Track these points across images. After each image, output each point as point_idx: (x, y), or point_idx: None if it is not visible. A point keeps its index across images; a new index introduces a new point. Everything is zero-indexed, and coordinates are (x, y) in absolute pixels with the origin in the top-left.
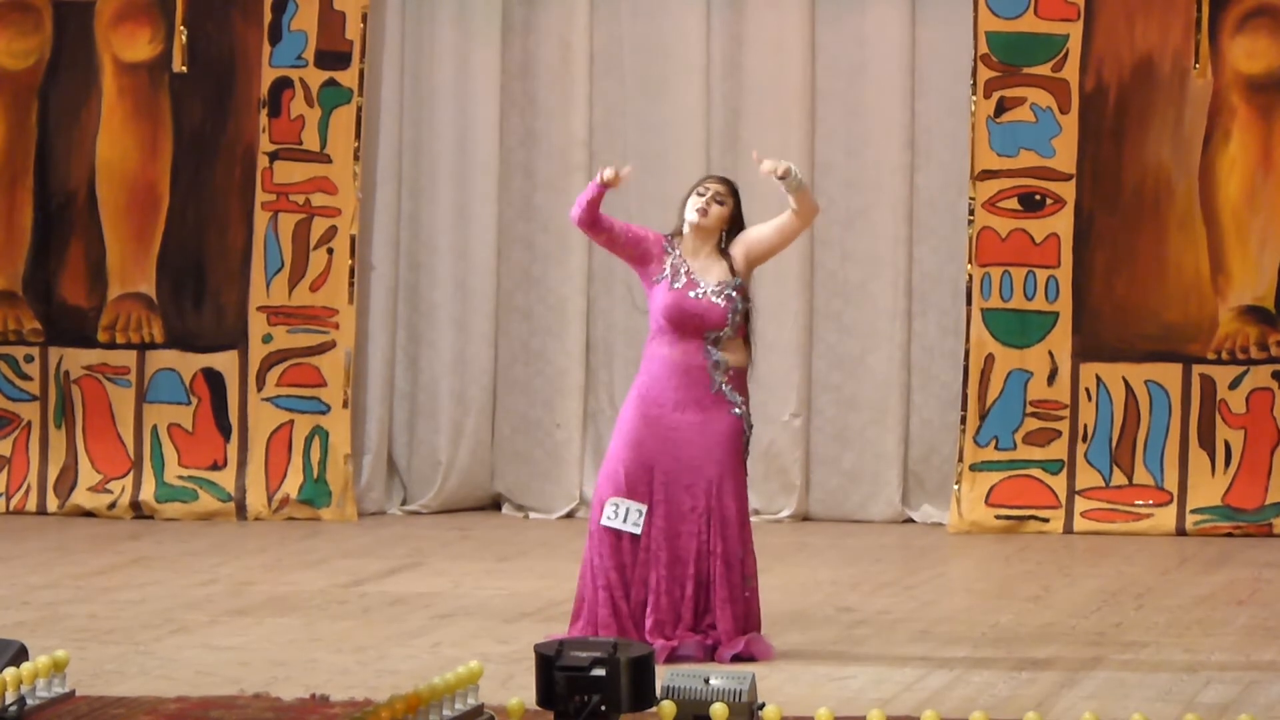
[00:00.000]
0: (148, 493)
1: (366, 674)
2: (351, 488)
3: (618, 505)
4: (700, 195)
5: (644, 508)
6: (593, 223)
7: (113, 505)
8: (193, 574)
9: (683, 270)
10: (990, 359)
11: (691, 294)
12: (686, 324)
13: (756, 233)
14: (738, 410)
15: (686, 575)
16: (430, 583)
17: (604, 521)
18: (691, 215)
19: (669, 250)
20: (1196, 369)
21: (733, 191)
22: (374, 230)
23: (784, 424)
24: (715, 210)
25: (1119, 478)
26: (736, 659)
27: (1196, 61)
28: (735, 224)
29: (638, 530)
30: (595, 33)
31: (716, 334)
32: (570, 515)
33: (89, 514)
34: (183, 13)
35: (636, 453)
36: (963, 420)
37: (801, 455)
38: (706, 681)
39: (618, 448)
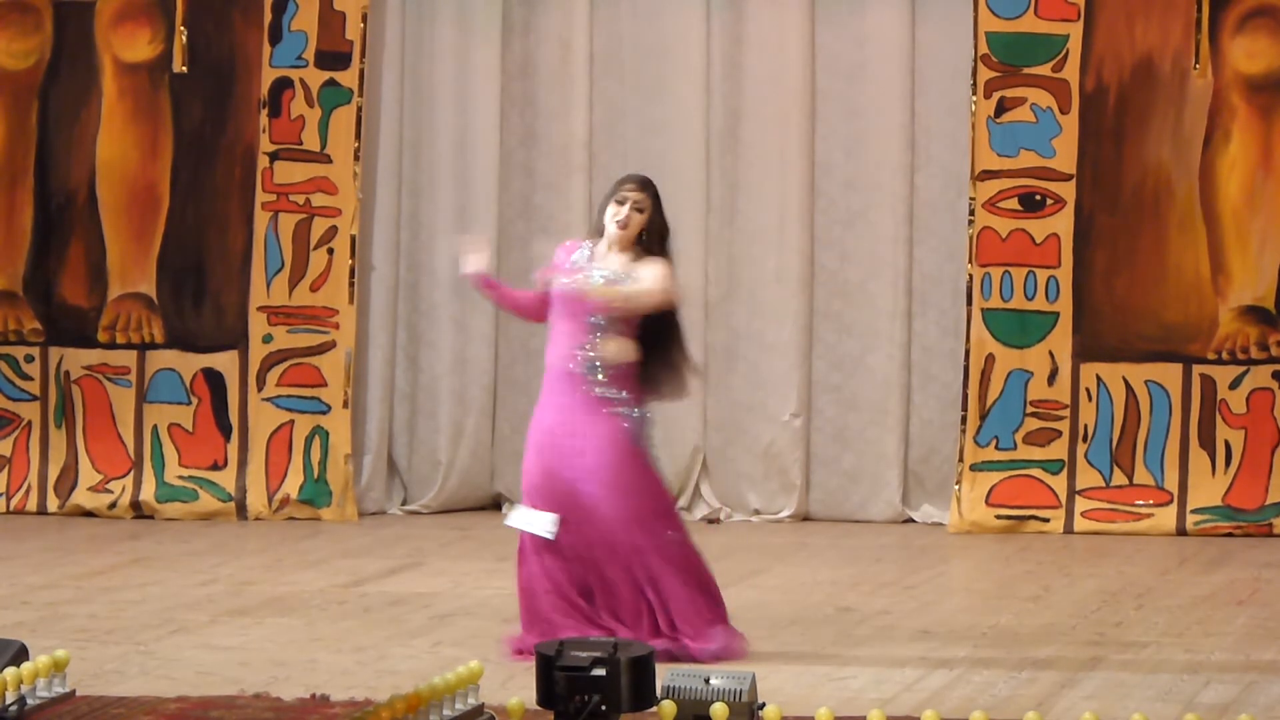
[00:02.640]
0: (148, 493)
1: (366, 674)
2: (352, 488)
3: (524, 512)
4: (620, 204)
5: (555, 516)
6: (536, 308)
7: (113, 505)
8: (193, 574)
9: (582, 263)
10: (990, 359)
11: (569, 279)
12: (565, 310)
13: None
14: (621, 410)
15: (626, 579)
16: (430, 583)
17: (508, 522)
18: (611, 227)
19: (581, 248)
20: (1197, 369)
21: (652, 195)
22: (374, 230)
23: (784, 424)
24: (635, 219)
25: (1119, 478)
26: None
27: (1197, 62)
28: (655, 227)
29: (550, 534)
30: (595, 33)
31: (597, 323)
32: None
33: (89, 514)
34: (183, 13)
35: (538, 461)
36: (963, 420)
37: (801, 455)
38: (706, 681)
39: (526, 456)
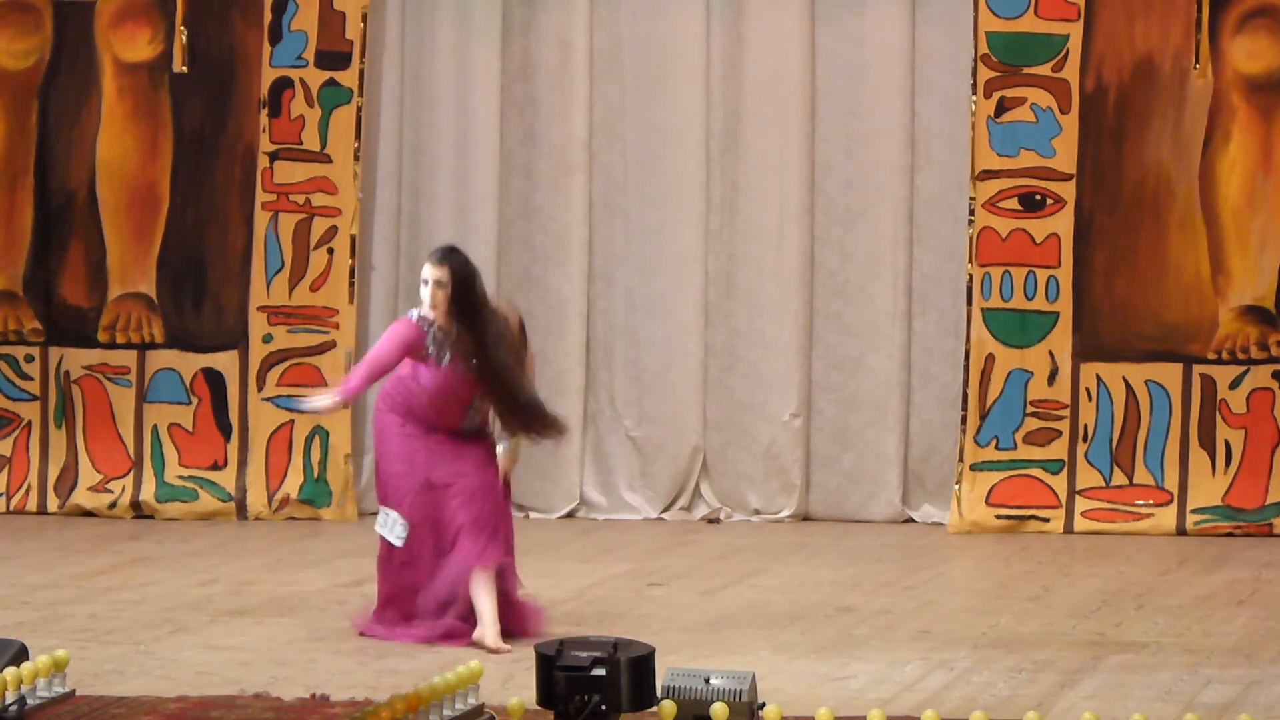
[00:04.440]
0: (148, 493)
1: (366, 674)
2: (352, 487)
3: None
4: (425, 285)
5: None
6: (378, 378)
7: (113, 505)
8: (193, 574)
9: (445, 346)
10: (990, 359)
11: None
12: (447, 397)
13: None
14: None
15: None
16: None
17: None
18: (427, 312)
19: (426, 330)
20: (1197, 369)
21: (450, 265)
22: (374, 230)
23: (784, 424)
24: (440, 297)
25: (1119, 478)
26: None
27: (1197, 62)
28: (459, 295)
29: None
30: (595, 33)
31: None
32: (570, 515)
33: (89, 514)
34: (183, 13)
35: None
36: (963, 420)
37: (802, 455)
38: (707, 681)
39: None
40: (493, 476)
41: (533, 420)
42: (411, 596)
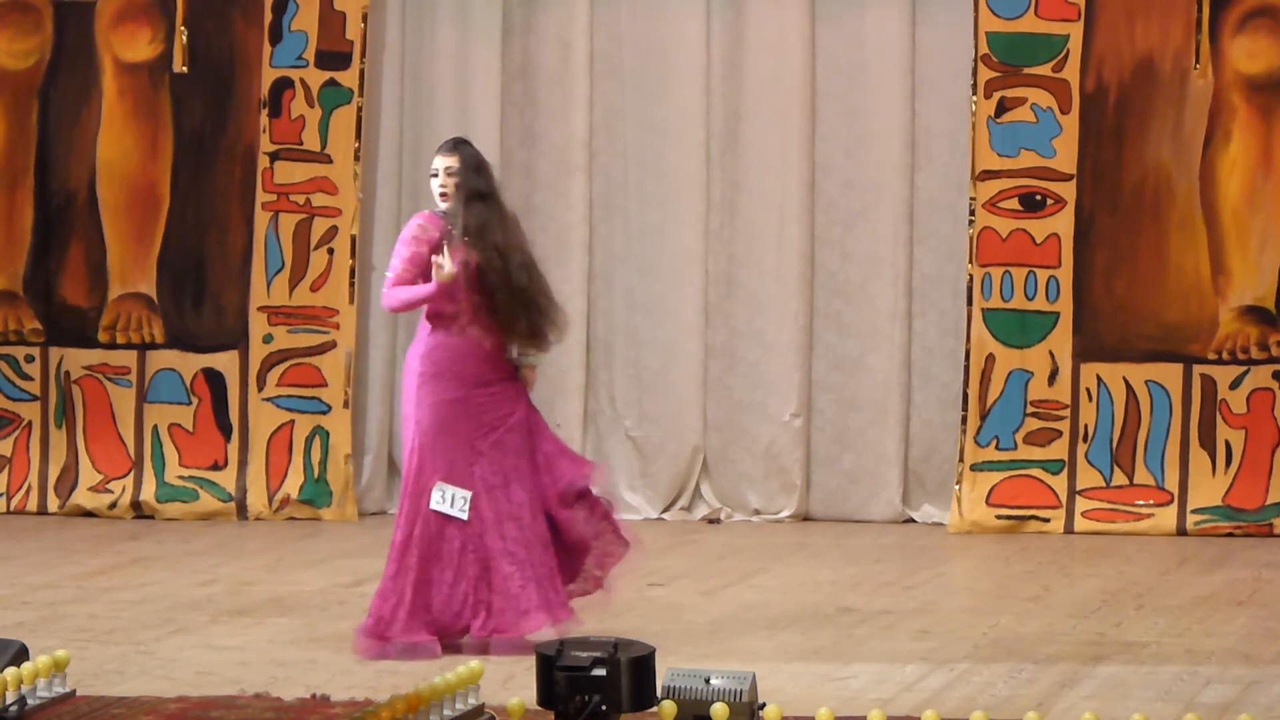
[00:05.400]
0: (148, 493)
1: (367, 674)
2: (352, 488)
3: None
4: (433, 177)
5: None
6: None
7: (113, 505)
8: (193, 574)
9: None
10: (991, 359)
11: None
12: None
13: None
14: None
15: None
16: None
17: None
18: (439, 201)
19: (444, 219)
20: (1197, 369)
21: (462, 155)
22: (374, 230)
23: (784, 424)
24: (451, 183)
25: (1119, 478)
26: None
27: (1197, 62)
28: (466, 181)
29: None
30: (595, 33)
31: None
32: None
33: (89, 514)
34: (183, 13)
35: None
36: (963, 420)
37: (802, 455)
38: (707, 681)
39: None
40: (525, 412)
41: (539, 317)
42: (428, 590)
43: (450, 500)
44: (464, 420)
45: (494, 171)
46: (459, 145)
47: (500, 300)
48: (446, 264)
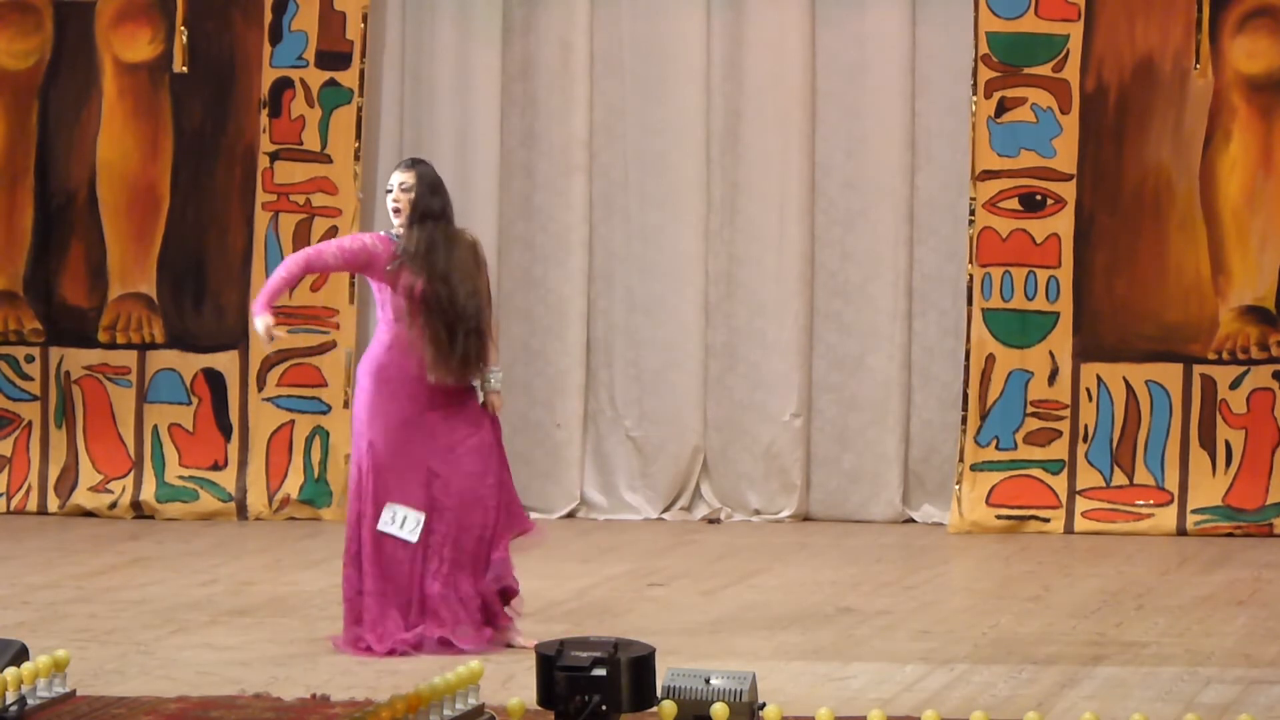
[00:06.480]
0: (148, 493)
1: (367, 674)
2: None
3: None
4: (389, 192)
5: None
6: (304, 276)
7: (113, 505)
8: (193, 574)
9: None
10: (991, 359)
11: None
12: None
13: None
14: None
15: None
16: None
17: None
18: (393, 218)
19: (397, 241)
20: (1197, 369)
21: (418, 173)
22: (374, 230)
23: (784, 424)
24: (405, 200)
25: (1119, 478)
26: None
27: (1197, 62)
28: (421, 202)
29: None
30: (595, 33)
31: None
32: (571, 515)
33: (89, 514)
34: (183, 13)
35: None
36: (963, 420)
37: (802, 455)
38: (707, 681)
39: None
40: (491, 437)
41: (473, 348)
42: (398, 590)
43: (401, 521)
44: (417, 442)
45: (447, 195)
46: (416, 164)
47: (440, 327)
48: (265, 334)
